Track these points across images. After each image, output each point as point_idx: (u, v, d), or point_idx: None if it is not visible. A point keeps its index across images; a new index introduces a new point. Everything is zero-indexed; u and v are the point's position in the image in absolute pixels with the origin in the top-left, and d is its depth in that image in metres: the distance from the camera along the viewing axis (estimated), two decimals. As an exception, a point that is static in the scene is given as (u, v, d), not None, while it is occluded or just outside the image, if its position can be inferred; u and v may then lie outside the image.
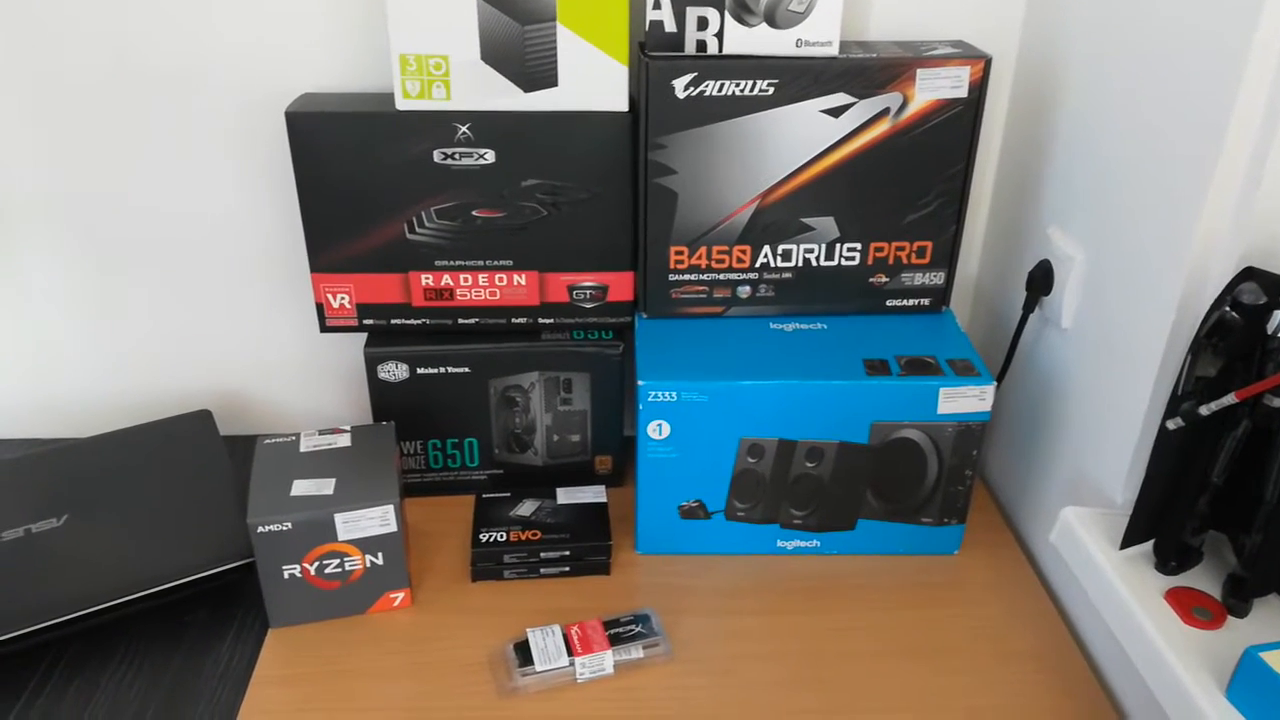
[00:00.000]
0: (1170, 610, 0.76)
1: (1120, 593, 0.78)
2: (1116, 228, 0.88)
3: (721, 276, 1.02)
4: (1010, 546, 1.06)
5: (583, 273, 1.03)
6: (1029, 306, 1.01)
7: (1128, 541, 0.80)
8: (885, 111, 0.95)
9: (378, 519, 0.90)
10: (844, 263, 1.02)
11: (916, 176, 0.98)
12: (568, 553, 1.00)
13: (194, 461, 1.06)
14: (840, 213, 0.99)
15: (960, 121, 0.96)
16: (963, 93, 0.94)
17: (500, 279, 1.03)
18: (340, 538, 0.90)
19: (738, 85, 0.92)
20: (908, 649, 0.93)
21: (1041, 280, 0.98)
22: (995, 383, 0.95)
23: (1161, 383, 0.82)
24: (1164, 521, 0.79)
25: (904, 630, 0.95)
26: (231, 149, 1.08)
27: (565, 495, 1.06)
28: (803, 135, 0.95)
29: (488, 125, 0.95)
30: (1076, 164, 0.95)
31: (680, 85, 0.92)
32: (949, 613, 0.97)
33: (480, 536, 1.00)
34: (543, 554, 0.99)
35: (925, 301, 1.05)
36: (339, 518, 0.89)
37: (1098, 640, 0.93)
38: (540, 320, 1.06)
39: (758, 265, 1.02)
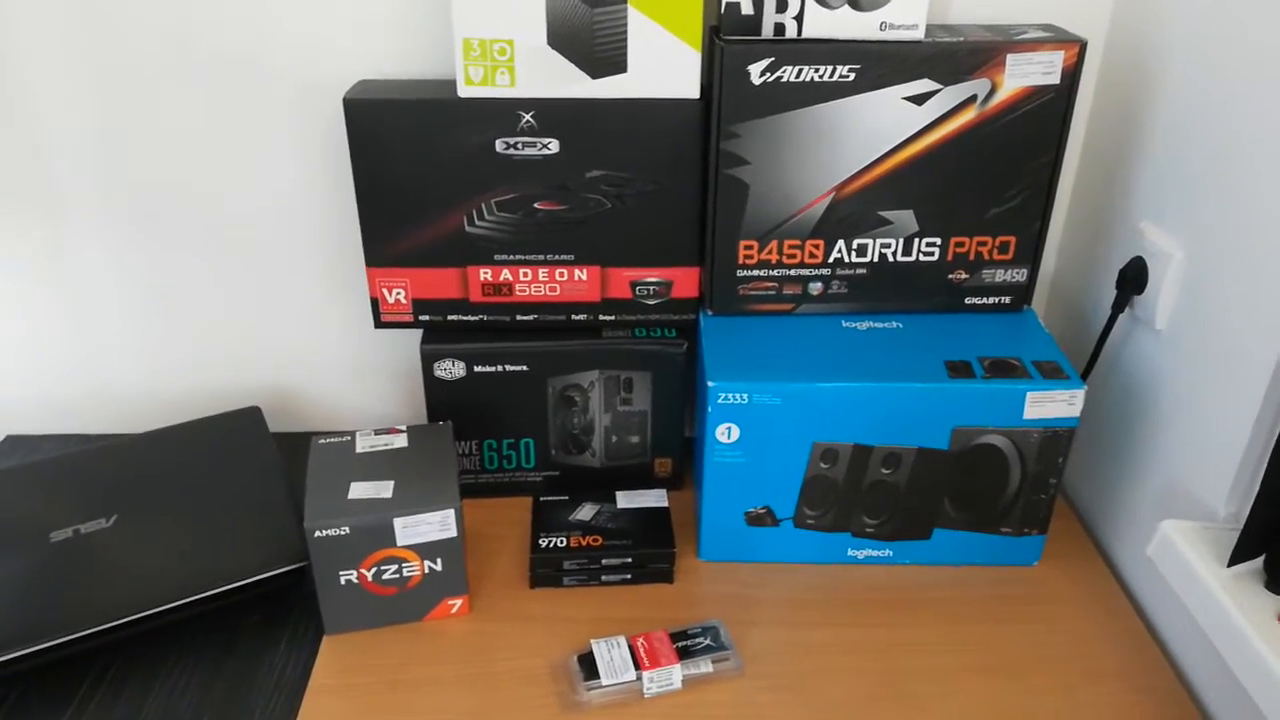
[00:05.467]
0: (1287, 634, 0.71)
1: (1231, 613, 0.73)
2: (1224, 223, 0.82)
3: (792, 272, 0.98)
4: (1092, 558, 1.01)
5: (647, 268, 0.99)
6: (1119, 306, 0.95)
7: (1237, 558, 0.75)
8: (972, 99, 0.90)
9: (437, 524, 0.87)
10: (922, 258, 0.97)
11: (1002, 167, 0.93)
12: (630, 560, 0.96)
13: (244, 460, 1.03)
14: (920, 205, 0.94)
15: (1051, 109, 0.90)
16: (1055, 79, 0.89)
17: (561, 274, 0.99)
18: (399, 543, 0.87)
19: (817, 71, 0.88)
20: (990, 666, 0.88)
21: (1134, 278, 0.93)
22: (1084, 386, 0.90)
23: (1275, 389, 0.76)
24: (1278, 538, 0.74)
25: (984, 646, 0.90)
26: (285, 137, 1.04)
27: (625, 499, 1.02)
28: (884, 124, 0.90)
29: (553, 113, 0.90)
30: (1176, 155, 0.89)
31: (756, 71, 0.87)
32: (1031, 628, 0.92)
33: (539, 541, 0.96)
34: (604, 560, 0.95)
35: (1006, 299, 1.00)
36: (398, 522, 0.86)
37: (1191, 659, 0.88)
38: (601, 317, 1.01)
39: (831, 261, 0.97)
